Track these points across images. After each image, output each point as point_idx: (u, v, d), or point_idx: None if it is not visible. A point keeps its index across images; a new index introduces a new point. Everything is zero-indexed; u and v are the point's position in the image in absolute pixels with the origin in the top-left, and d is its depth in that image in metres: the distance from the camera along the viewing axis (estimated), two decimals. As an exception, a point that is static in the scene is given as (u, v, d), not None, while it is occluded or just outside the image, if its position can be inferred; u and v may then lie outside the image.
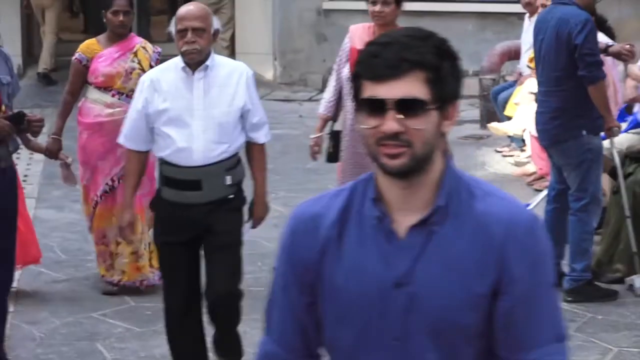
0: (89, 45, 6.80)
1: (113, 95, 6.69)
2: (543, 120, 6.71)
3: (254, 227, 5.67)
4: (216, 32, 5.33)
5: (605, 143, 6.92)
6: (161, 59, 6.57)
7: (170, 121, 5.17)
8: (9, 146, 5.52)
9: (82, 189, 6.84)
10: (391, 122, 2.27)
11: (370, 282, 2.38)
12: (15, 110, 5.63)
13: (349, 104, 6.22)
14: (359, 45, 6.03)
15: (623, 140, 7.33)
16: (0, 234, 5.55)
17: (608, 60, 7.31)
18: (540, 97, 6.84)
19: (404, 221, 2.37)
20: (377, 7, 6.13)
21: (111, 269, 6.79)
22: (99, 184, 6.68)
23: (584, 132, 6.50)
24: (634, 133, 7.62)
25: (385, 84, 2.28)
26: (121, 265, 6.77)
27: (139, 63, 6.66)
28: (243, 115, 5.24)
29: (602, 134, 6.72)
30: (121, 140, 5.44)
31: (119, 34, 6.72)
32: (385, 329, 2.38)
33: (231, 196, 5.26)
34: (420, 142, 2.29)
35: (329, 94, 6.58)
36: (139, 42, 6.91)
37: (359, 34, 6.40)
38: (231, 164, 5.23)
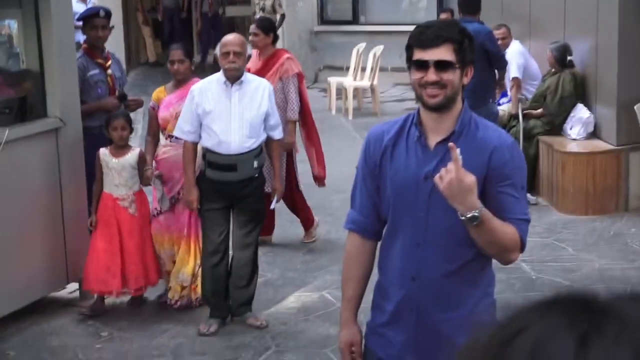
0: (157, 92, 6.91)
1: (166, 138, 6.76)
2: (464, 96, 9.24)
3: (277, 201, 6.72)
4: (249, 56, 6.41)
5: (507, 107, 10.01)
6: None
7: (214, 120, 6.13)
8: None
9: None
10: (432, 74, 3.14)
11: (410, 176, 3.22)
12: (121, 92, 7.27)
13: None
14: (250, 64, 7.63)
15: (505, 107, 10.31)
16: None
17: None
18: None
19: (434, 139, 3.22)
20: (251, 37, 7.94)
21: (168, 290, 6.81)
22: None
23: (490, 101, 9.28)
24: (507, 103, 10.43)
25: (428, 50, 3.15)
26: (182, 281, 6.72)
27: None
28: (265, 118, 6.26)
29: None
30: (178, 133, 6.30)
31: (178, 81, 6.82)
32: (416, 206, 3.22)
33: (256, 175, 6.28)
34: (450, 88, 3.15)
35: None
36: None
37: (252, 56, 8.04)
38: (257, 152, 6.25)
